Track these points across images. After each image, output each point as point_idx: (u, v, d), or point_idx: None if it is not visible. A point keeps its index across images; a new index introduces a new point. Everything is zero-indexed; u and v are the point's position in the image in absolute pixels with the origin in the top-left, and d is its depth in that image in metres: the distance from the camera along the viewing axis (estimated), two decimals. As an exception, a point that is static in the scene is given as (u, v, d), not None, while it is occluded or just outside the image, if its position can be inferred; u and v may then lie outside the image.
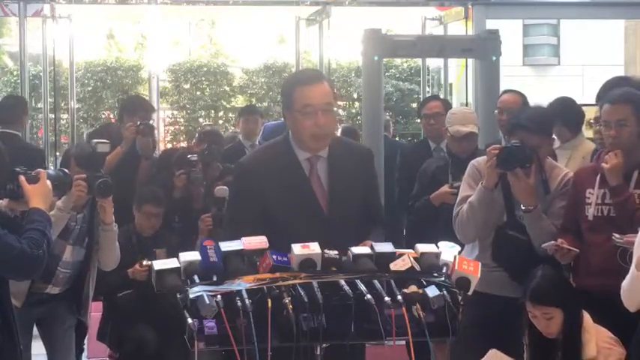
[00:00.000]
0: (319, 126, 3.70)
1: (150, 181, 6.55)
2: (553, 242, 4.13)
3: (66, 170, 4.43)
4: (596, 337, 3.95)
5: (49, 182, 3.57)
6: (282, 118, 9.12)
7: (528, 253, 4.28)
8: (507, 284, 4.31)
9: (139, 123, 6.61)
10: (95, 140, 6.54)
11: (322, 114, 3.70)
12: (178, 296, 3.06)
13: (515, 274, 4.30)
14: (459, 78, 11.27)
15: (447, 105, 6.76)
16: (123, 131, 6.64)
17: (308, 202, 3.74)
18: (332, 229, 3.61)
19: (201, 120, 17.01)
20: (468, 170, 4.58)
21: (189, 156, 6.29)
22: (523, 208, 4.27)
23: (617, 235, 3.94)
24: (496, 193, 4.33)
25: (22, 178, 3.51)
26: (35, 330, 5.11)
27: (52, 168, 8.01)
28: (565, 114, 5.54)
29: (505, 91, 6.40)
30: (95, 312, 7.18)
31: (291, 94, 3.77)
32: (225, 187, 5.83)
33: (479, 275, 3.22)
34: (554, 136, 5.26)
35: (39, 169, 3.61)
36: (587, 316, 4.01)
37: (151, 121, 6.90)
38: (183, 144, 15.60)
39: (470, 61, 9.17)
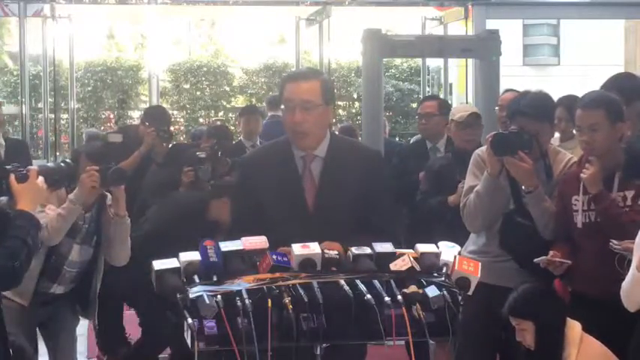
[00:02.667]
0: (294, 122, 3.70)
1: (155, 176, 6.59)
2: (544, 257, 4.12)
3: (68, 161, 4.32)
4: (585, 353, 3.92)
5: (41, 179, 3.44)
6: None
7: (536, 240, 4.27)
8: (513, 275, 4.30)
9: (160, 129, 6.71)
10: (107, 132, 6.57)
11: (299, 110, 3.69)
12: (178, 296, 3.06)
13: (523, 261, 4.30)
14: (460, 79, 11.30)
15: (443, 105, 6.74)
16: (144, 136, 6.72)
17: (295, 200, 3.74)
18: (316, 228, 3.55)
19: (201, 120, 17.03)
20: (472, 160, 4.58)
21: (197, 153, 6.34)
22: (524, 189, 4.28)
23: (614, 242, 3.91)
24: (502, 180, 4.33)
25: (11, 177, 3.39)
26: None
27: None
28: (573, 110, 5.52)
29: (506, 90, 6.41)
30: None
31: (281, 90, 3.82)
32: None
33: (479, 275, 3.22)
34: (556, 134, 5.25)
35: (29, 167, 3.50)
36: (575, 329, 3.97)
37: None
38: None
39: (470, 61, 9.18)
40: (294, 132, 3.75)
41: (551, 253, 4.12)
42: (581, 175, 4.14)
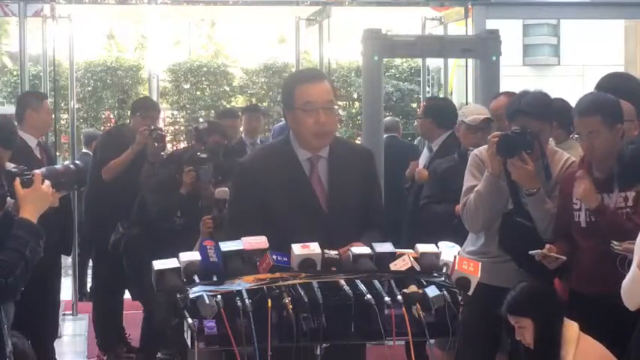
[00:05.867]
0: (320, 124, 3.71)
1: (152, 175, 6.61)
2: (540, 251, 4.12)
3: (78, 162, 4.14)
4: (582, 353, 3.93)
5: (47, 183, 3.32)
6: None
7: (535, 240, 4.27)
8: (512, 275, 4.30)
9: (152, 128, 6.72)
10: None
11: (323, 112, 3.71)
12: (178, 296, 3.06)
13: (522, 261, 4.30)
14: (451, 79, 11.30)
15: (428, 107, 6.82)
16: (137, 134, 6.73)
17: (308, 202, 3.74)
18: (332, 229, 3.61)
19: (201, 120, 17.02)
20: (470, 160, 4.59)
21: (198, 153, 6.34)
22: (526, 191, 4.28)
23: (615, 243, 3.92)
24: (502, 180, 4.33)
25: (16, 181, 3.26)
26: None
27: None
28: (561, 115, 5.52)
29: (500, 94, 6.35)
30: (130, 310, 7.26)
31: (292, 93, 3.77)
32: (225, 189, 5.84)
33: (479, 275, 3.23)
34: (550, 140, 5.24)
35: (35, 170, 3.35)
36: (572, 329, 3.98)
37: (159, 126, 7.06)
38: (184, 144, 15.61)
39: (470, 61, 9.17)
40: (317, 134, 3.74)
41: (547, 246, 4.12)
42: (575, 191, 4.13)
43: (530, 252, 4.13)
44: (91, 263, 9.86)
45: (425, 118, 6.62)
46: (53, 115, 11.85)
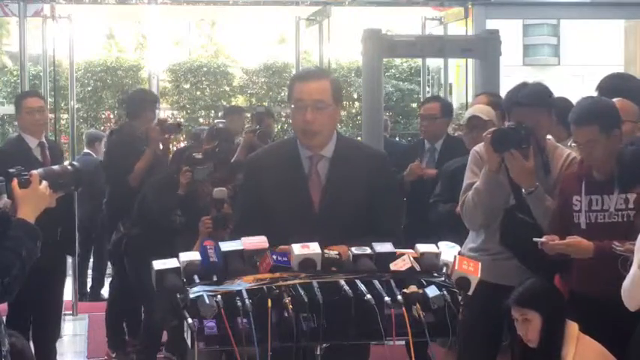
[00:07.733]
0: (305, 122, 3.73)
1: (160, 172, 6.63)
2: (539, 240, 4.11)
3: (75, 163, 4.12)
4: (582, 352, 3.93)
5: (45, 184, 3.30)
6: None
7: (536, 236, 4.24)
8: (513, 273, 4.30)
9: (160, 121, 6.71)
10: None
11: (311, 110, 3.71)
12: (178, 296, 3.06)
13: (524, 257, 4.29)
14: (456, 79, 11.28)
15: (445, 107, 6.74)
16: (149, 133, 6.71)
17: (301, 200, 3.75)
18: (322, 230, 3.56)
19: (201, 120, 17.01)
20: (470, 157, 4.58)
21: (194, 154, 6.34)
22: (523, 190, 4.27)
23: (616, 243, 3.92)
24: (501, 176, 4.31)
25: (14, 181, 3.24)
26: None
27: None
28: (562, 114, 5.53)
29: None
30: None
31: (290, 90, 3.84)
32: (223, 189, 5.85)
33: (479, 275, 3.22)
34: (549, 136, 5.25)
35: (33, 171, 3.32)
36: (572, 329, 3.99)
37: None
38: (183, 143, 15.60)
39: (470, 61, 9.17)
40: (304, 131, 3.76)
41: (546, 237, 4.12)
42: (568, 253, 4.10)
43: (534, 239, 4.11)
44: (90, 264, 9.92)
45: (444, 118, 6.57)
46: (53, 115, 11.89)
